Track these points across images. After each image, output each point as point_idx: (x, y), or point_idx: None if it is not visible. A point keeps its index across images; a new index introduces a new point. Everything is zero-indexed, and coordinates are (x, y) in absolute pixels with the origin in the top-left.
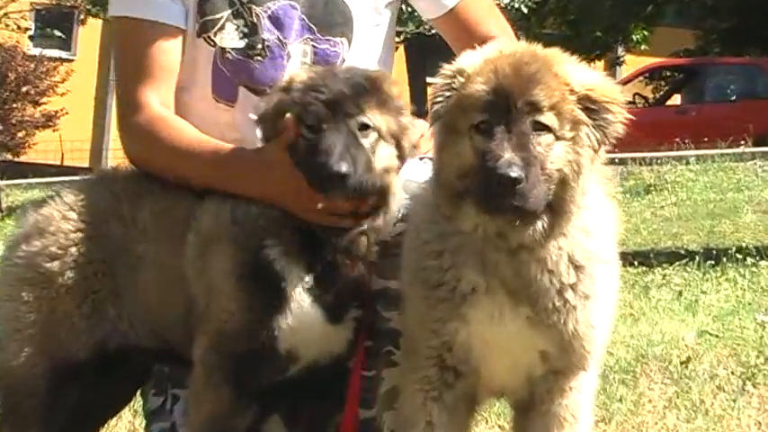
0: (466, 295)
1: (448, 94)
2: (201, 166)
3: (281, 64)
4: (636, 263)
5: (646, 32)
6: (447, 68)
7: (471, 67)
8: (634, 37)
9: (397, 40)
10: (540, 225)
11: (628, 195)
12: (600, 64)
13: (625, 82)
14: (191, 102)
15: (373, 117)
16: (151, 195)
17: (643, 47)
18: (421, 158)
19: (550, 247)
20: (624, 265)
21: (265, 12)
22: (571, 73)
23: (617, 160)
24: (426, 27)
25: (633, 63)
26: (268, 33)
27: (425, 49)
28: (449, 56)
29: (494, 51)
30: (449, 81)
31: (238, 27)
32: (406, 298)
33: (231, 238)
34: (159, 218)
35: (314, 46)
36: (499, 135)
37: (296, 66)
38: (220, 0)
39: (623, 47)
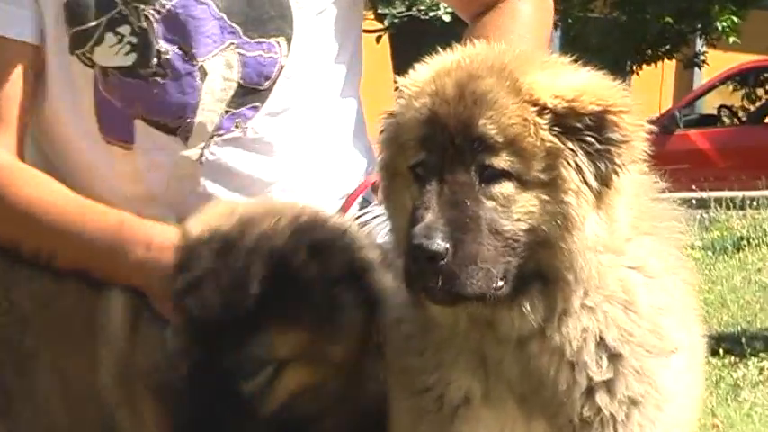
0: (457, 406)
1: (387, 123)
2: (67, 239)
3: (192, 84)
4: (721, 351)
5: (736, 19)
6: (401, 82)
7: (413, 83)
8: (719, 25)
9: (379, 26)
10: (527, 305)
11: (710, 252)
12: (670, 64)
13: (705, 90)
14: (75, 144)
15: None
16: (26, 269)
17: (732, 39)
18: None
19: (569, 329)
20: (706, 357)
21: (158, 12)
22: (541, 83)
23: (694, 201)
24: (421, 8)
25: (718, 62)
26: (165, 43)
27: (418, 37)
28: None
29: (450, 59)
30: (393, 104)
31: (122, 38)
32: (390, 408)
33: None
34: (45, 306)
35: (241, 54)
36: (429, 186)
37: (217, 84)
38: (93, 0)
39: (704, 39)
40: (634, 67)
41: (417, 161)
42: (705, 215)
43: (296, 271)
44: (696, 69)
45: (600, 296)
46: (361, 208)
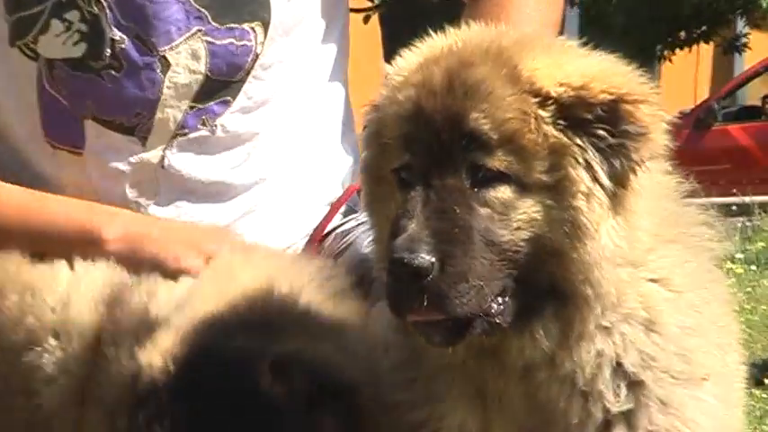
0: None
1: (370, 118)
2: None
3: (151, 78)
4: (766, 380)
5: None
6: (388, 70)
7: (399, 72)
8: (764, 2)
9: (368, 4)
10: (540, 330)
11: (753, 267)
12: (707, 49)
13: (748, 78)
14: (18, 148)
15: None
16: None
17: None
18: None
19: (581, 353)
20: (747, 387)
21: None
22: (544, 70)
23: (734, 207)
24: None
25: (763, 46)
26: (120, 31)
27: (413, 17)
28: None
29: (441, 44)
30: (377, 96)
31: (71, 25)
32: None
33: None
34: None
35: (209, 42)
36: (414, 193)
37: (181, 77)
38: None
39: (745, 19)
40: (665, 53)
41: (402, 163)
42: (748, 223)
43: (261, 402)
44: (737, 54)
45: (617, 315)
46: (345, 215)
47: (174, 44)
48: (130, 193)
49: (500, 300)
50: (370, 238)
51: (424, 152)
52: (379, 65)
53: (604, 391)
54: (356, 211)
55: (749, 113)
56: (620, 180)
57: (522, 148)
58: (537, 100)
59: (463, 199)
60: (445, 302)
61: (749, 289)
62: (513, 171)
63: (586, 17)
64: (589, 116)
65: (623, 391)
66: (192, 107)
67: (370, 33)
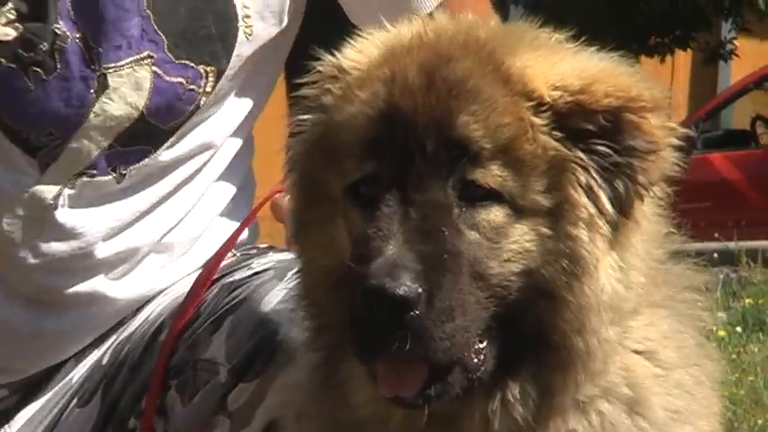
0: None
1: (309, 120)
2: None
3: (81, 96)
4: None
5: None
6: (322, 65)
7: (356, 65)
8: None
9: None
10: (515, 392)
11: (739, 329)
12: (685, 57)
13: (735, 95)
14: None
15: None
16: None
17: None
18: None
19: (550, 430)
20: None
21: None
22: (534, 69)
23: (716, 255)
24: None
25: (752, 54)
26: (67, 24)
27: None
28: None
29: (406, 34)
30: (316, 93)
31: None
32: None
33: None
34: None
35: (157, 75)
36: (386, 207)
37: (114, 107)
38: None
39: (732, 23)
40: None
41: (363, 174)
42: (733, 274)
43: None
44: (722, 63)
45: (596, 388)
46: (238, 262)
47: (119, 64)
48: (10, 224)
49: (480, 346)
50: (291, 275)
51: (398, 161)
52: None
53: None
54: (251, 258)
55: (735, 139)
56: (622, 207)
57: (519, 162)
58: (530, 104)
59: (450, 219)
60: (430, 344)
61: (734, 356)
62: (507, 189)
63: (527, 5)
64: (590, 127)
65: None
66: (110, 146)
67: None
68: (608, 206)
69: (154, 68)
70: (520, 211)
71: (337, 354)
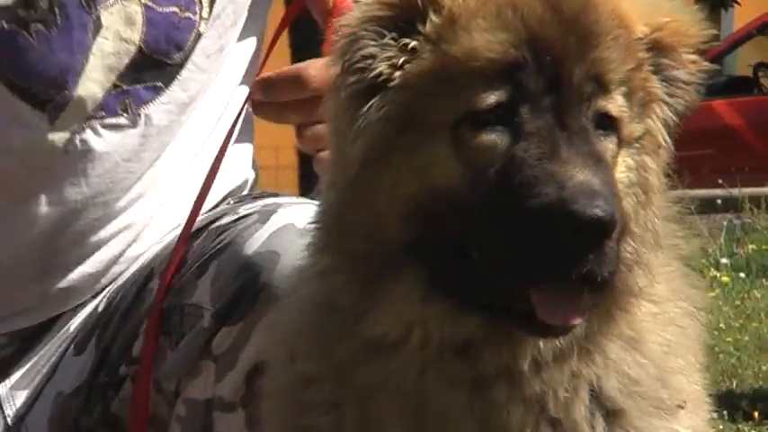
0: None
1: (400, 48)
2: None
3: (81, 41)
4: (756, 414)
5: None
6: None
7: None
8: None
9: None
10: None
11: (742, 274)
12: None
13: (737, 41)
14: None
15: None
16: None
17: None
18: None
19: (553, 372)
20: (734, 420)
21: None
22: (624, 3)
23: (719, 201)
24: None
25: (754, 1)
26: None
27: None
28: None
29: None
30: (389, 21)
31: None
32: None
33: None
34: None
35: (148, 7)
36: (546, 131)
37: (109, 45)
38: None
39: None
40: None
41: (501, 99)
42: (736, 221)
43: None
44: (723, 11)
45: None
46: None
47: (110, 1)
48: (20, 176)
49: None
50: (274, 218)
51: (543, 88)
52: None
53: (578, 422)
54: (241, 203)
55: (738, 86)
56: (664, 144)
57: (632, 93)
58: (632, 38)
59: (597, 147)
60: (616, 270)
61: (738, 302)
62: (623, 119)
63: None
64: (667, 61)
65: (599, 423)
66: (116, 86)
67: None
68: (668, 138)
69: (144, 1)
70: (620, 141)
71: (377, 277)
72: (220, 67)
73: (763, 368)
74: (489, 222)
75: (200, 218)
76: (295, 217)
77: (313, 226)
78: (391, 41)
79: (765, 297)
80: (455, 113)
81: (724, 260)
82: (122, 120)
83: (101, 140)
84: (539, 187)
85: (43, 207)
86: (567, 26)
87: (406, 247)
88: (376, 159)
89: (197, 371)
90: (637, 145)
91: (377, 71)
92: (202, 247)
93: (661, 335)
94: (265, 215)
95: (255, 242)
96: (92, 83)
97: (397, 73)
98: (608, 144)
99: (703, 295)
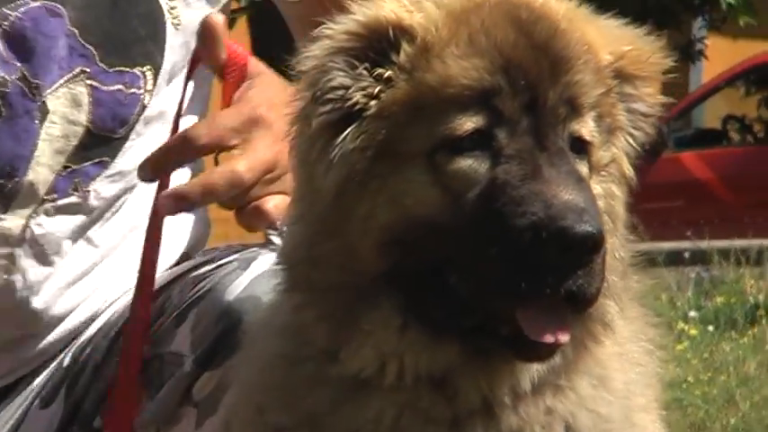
0: None
1: (374, 77)
2: None
3: (27, 128)
4: None
5: None
6: (348, 24)
7: (422, 22)
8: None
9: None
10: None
11: (711, 327)
12: None
13: (706, 94)
14: None
15: None
16: None
17: (743, 20)
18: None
19: (529, 408)
20: None
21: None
22: (593, 29)
23: (686, 255)
24: None
25: (724, 53)
26: (4, 69)
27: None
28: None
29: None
30: (360, 51)
31: None
32: None
33: None
34: None
35: (94, 87)
36: (527, 153)
37: (57, 129)
38: None
39: (703, 18)
40: None
41: (478, 124)
42: (704, 274)
43: None
44: (693, 64)
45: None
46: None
47: (56, 85)
48: None
49: None
50: (254, 265)
51: (518, 112)
52: None
53: None
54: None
55: (707, 138)
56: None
57: (601, 118)
58: (600, 65)
59: (578, 168)
60: (600, 288)
61: (706, 355)
62: (593, 144)
63: None
64: (630, 89)
65: None
66: (65, 167)
67: (236, 37)
68: (630, 168)
69: (89, 82)
70: (591, 168)
71: (352, 308)
72: (161, 129)
73: (732, 421)
74: (471, 246)
75: (178, 268)
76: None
77: (278, 267)
78: (364, 71)
79: (734, 350)
80: (431, 140)
81: (692, 313)
82: (73, 198)
83: (54, 221)
84: (525, 207)
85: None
86: (540, 51)
87: (381, 277)
88: (351, 189)
89: (177, 417)
90: (604, 173)
91: (352, 101)
92: (180, 297)
93: (626, 374)
94: (246, 262)
95: (236, 288)
96: (42, 167)
97: (373, 102)
98: (582, 167)
99: (657, 331)
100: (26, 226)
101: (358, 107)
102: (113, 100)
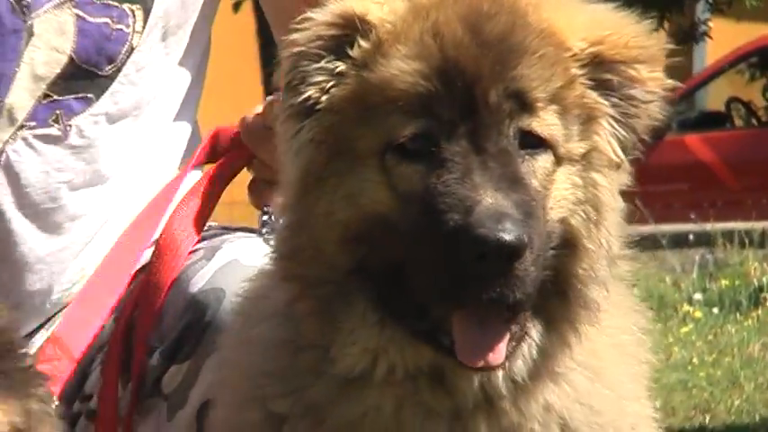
0: None
1: (330, 71)
2: None
3: (14, 47)
4: None
5: None
6: (324, 14)
7: (383, 17)
8: None
9: None
10: (526, 348)
11: (716, 310)
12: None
13: (709, 76)
14: None
15: None
16: None
17: (749, 2)
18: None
19: (529, 404)
20: None
21: None
22: (560, 19)
23: (691, 237)
24: None
25: (728, 36)
26: None
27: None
28: None
29: None
30: (329, 42)
31: None
32: None
33: None
34: None
35: (80, 17)
36: (461, 158)
37: (40, 54)
38: None
39: (706, 2)
40: None
41: (419, 129)
42: (709, 256)
43: None
44: (695, 45)
45: (572, 361)
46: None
47: (42, 10)
48: None
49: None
50: (219, 254)
51: (459, 113)
52: (252, 56)
53: None
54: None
55: (711, 121)
56: (619, 159)
57: (564, 111)
58: (568, 54)
59: (519, 168)
60: (528, 292)
61: (710, 337)
62: (554, 138)
63: None
64: (608, 76)
65: None
66: (46, 95)
67: (241, 23)
68: (621, 154)
69: (75, 11)
70: (559, 159)
71: (332, 304)
72: (156, 84)
73: (736, 403)
74: (416, 248)
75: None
76: (240, 253)
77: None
78: (326, 64)
79: (738, 332)
80: (379, 141)
81: (697, 295)
82: (53, 130)
83: (31, 151)
84: (449, 213)
85: None
86: (485, 48)
87: (351, 272)
88: (312, 184)
89: (148, 410)
90: (583, 162)
91: (306, 94)
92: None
93: (620, 366)
94: (210, 251)
95: (201, 279)
96: (22, 90)
97: (324, 97)
98: (537, 163)
99: (643, 317)
100: (2, 151)
101: (311, 101)
102: (99, 33)
